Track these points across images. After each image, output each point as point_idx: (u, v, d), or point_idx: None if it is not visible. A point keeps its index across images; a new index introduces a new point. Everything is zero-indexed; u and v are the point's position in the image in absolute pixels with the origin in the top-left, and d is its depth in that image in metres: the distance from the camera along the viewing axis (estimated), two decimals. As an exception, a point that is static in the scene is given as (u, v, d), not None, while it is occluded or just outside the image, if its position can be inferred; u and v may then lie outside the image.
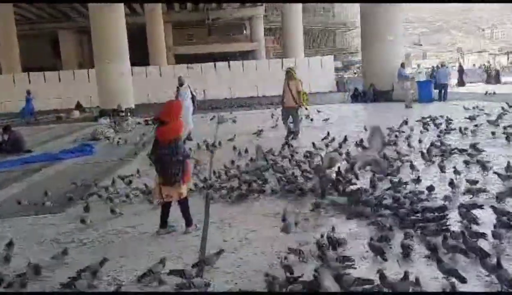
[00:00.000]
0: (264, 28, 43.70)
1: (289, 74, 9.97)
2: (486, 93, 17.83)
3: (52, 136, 13.88)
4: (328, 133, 9.26)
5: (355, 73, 25.93)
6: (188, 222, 4.55)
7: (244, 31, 46.67)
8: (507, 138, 7.81)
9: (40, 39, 39.65)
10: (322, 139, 8.88)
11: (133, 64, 19.85)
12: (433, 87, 17.45)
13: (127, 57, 18.45)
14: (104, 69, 17.97)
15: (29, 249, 4.31)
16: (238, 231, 4.45)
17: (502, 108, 11.28)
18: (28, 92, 20.69)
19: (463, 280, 3.00)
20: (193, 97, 11.23)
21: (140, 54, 33.26)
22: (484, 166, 5.91)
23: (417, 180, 5.51)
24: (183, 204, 4.55)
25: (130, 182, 6.59)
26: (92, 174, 7.69)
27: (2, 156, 10.06)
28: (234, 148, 8.80)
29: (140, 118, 16.05)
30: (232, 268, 3.55)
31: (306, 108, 10.91)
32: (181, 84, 11.17)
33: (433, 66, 18.08)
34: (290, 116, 10.15)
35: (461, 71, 26.63)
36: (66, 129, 15.26)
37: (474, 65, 41.90)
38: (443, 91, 17.32)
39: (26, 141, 11.10)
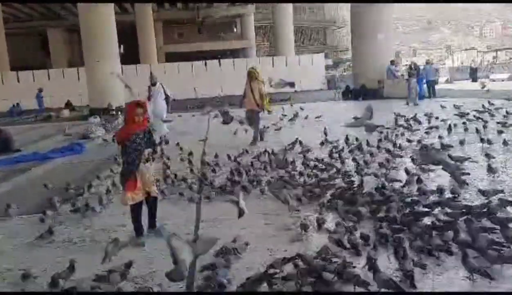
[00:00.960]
0: (255, 26, 43.70)
1: (251, 75, 9.07)
2: (483, 87, 17.97)
3: (42, 135, 13.77)
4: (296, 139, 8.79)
5: (344, 70, 26.06)
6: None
7: (235, 29, 46.60)
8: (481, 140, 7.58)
9: (29, 37, 39.24)
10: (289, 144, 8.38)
11: (123, 62, 19.74)
12: (422, 85, 17.66)
13: (117, 56, 18.35)
14: (94, 68, 17.85)
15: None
16: (229, 228, 4.47)
17: (483, 106, 11.46)
18: (40, 90, 20.61)
19: (490, 278, 2.98)
20: (166, 98, 10.65)
21: (130, 53, 33.15)
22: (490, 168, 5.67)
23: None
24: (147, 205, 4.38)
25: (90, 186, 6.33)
26: (80, 174, 7.63)
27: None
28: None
29: None
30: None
31: (269, 112, 9.96)
32: (153, 83, 10.53)
33: (412, 64, 18.20)
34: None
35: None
36: (56, 128, 15.13)
37: (462, 63, 42.41)
38: (431, 88, 17.62)
39: (15, 141, 11.00)
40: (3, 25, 28.80)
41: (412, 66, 17.17)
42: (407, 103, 15.18)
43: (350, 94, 19.53)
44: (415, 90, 15.88)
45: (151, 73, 10.93)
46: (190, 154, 7.89)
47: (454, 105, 12.34)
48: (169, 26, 42.61)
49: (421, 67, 18.56)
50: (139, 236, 4.25)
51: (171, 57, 37.18)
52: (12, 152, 10.34)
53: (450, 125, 9.09)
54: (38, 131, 14.93)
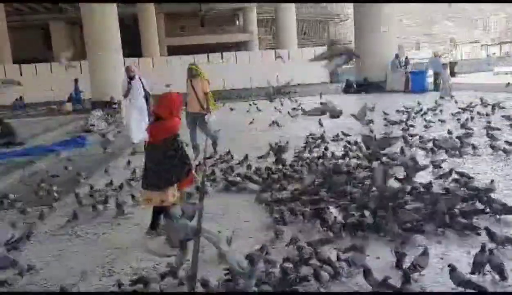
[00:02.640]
0: (258, 19, 43.51)
1: (192, 72, 7.69)
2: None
3: (44, 128, 13.77)
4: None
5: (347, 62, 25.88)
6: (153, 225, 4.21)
7: (237, 22, 46.42)
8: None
9: (31, 30, 39.15)
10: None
11: (125, 55, 19.69)
12: (426, 78, 17.61)
13: (120, 49, 18.30)
14: (96, 61, 17.82)
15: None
16: (231, 221, 4.48)
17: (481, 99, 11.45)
18: (76, 81, 20.56)
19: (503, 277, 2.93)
20: (146, 95, 8.74)
21: (132, 46, 33.05)
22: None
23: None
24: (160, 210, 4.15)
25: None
26: (82, 167, 7.62)
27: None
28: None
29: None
30: (226, 259, 3.57)
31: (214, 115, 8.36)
32: (131, 76, 8.60)
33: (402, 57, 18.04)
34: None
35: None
36: (59, 122, 15.14)
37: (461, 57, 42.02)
38: (437, 81, 17.49)
39: (18, 134, 11.01)
40: (5, 18, 28.76)
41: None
42: (442, 97, 14.11)
43: (351, 88, 19.46)
44: (447, 83, 15.36)
45: (128, 67, 8.90)
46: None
47: None
48: (171, 19, 42.48)
49: (427, 60, 18.41)
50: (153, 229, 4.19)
51: (173, 50, 37.09)
52: (16, 145, 10.37)
53: None
54: (42, 125, 14.94)
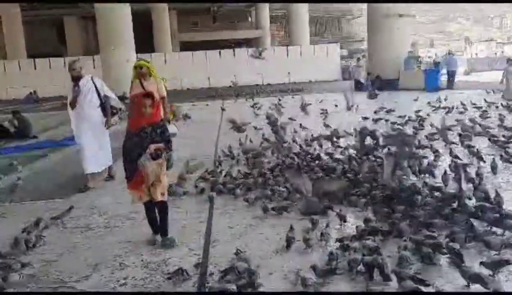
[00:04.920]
0: (270, 15, 43.37)
1: (141, 71, 5.68)
2: None
3: (58, 122, 13.91)
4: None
5: (358, 60, 25.66)
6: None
7: (249, 19, 46.33)
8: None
9: (45, 25, 39.57)
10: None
11: (138, 51, 19.79)
12: (440, 75, 17.43)
13: (132, 44, 18.41)
14: (109, 56, 17.96)
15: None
16: (242, 217, 4.48)
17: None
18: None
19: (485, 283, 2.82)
20: (102, 101, 5.98)
21: (145, 41, 33.17)
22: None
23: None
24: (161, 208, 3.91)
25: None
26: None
27: (9, 141, 10.14)
28: None
29: None
30: (237, 254, 3.58)
31: (175, 125, 6.79)
32: (76, 77, 5.91)
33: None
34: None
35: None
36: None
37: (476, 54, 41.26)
38: (451, 78, 17.37)
39: (32, 127, 11.16)
40: (20, 12, 29.10)
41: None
42: (503, 96, 12.79)
43: (360, 86, 19.35)
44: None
45: (72, 63, 6.04)
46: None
47: None
48: (184, 15, 42.55)
49: (441, 58, 18.22)
50: (154, 235, 3.97)
51: (185, 46, 37.19)
52: (29, 138, 10.51)
53: None
54: (55, 119, 15.09)
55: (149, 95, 3.81)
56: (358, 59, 24.96)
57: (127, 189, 3.96)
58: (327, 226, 3.89)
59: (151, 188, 3.74)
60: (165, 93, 5.92)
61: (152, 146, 3.67)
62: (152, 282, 3.22)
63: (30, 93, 23.76)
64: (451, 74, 17.42)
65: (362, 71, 21.26)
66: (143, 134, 3.70)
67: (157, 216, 3.90)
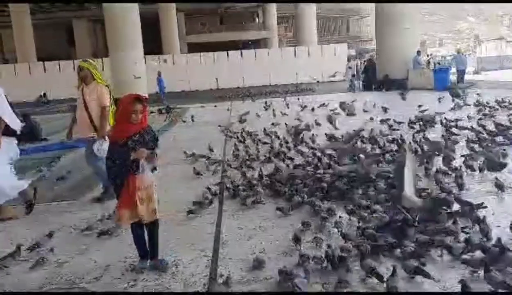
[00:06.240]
0: (277, 16, 43.43)
1: (84, 73, 5.08)
2: None
3: (68, 125, 14.00)
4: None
5: (365, 61, 25.55)
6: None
7: (257, 20, 46.39)
8: None
9: (55, 28, 40.00)
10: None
11: (146, 53, 19.92)
12: (449, 74, 17.32)
13: (141, 46, 18.53)
14: (117, 58, 18.09)
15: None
16: (252, 219, 4.48)
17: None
18: (159, 74, 21.00)
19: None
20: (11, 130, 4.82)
21: (153, 43, 33.39)
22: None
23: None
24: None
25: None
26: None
27: (20, 144, 10.21)
28: None
29: (153, 107, 16.08)
30: (246, 256, 3.59)
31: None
32: None
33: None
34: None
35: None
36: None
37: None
38: (460, 77, 17.26)
39: (42, 130, 11.26)
40: (30, 16, 29.43)
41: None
42: None
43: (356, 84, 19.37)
44: None
45: None
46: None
47: None
48: (192, 17, 42.75)
49: (450, 56, 18.11)
50: (143, 261, 3.45)
51: (193, 48, 37.34)
52: (39, 140, 10.61)
53: None
54: (65, 121, 15.20)
55: (140, 99, 3.22)
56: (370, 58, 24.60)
57: (116, 209, 3.47)
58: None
59: (140, 206, 3.22)
60: (107, 103, 5.06)
61: (145, 152, 3.19)
62: (162, 283, 3.22)
63: (40, 96, 24.01)
64: (460, 73, 17.31)
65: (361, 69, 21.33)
66: (130, 144, 3.18)
67: (147, 236, 3.43)
